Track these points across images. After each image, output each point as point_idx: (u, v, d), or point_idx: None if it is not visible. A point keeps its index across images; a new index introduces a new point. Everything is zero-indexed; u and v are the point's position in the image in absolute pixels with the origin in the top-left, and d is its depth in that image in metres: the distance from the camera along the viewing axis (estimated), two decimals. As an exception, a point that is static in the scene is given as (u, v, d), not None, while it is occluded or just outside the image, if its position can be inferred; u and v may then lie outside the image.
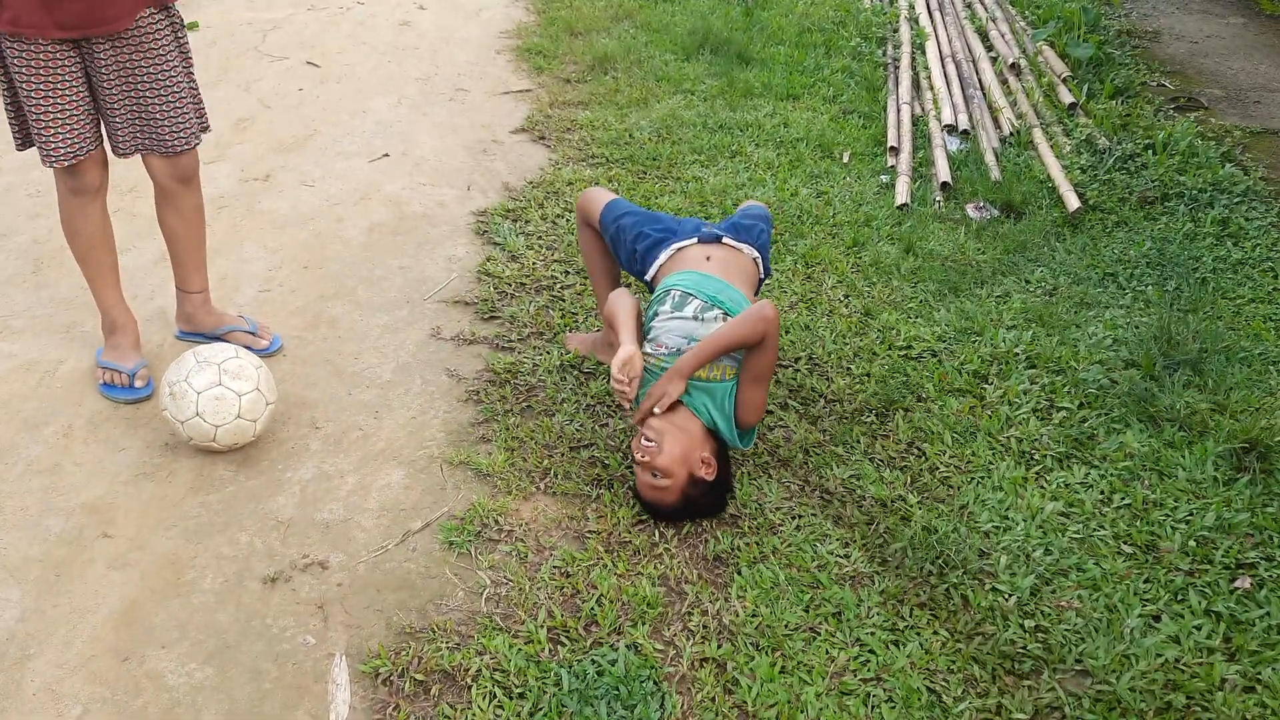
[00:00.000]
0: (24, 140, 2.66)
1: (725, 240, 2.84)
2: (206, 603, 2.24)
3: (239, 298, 3.33)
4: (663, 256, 2.84)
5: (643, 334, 2.75)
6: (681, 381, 2.52)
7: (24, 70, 2.46)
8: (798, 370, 3.03)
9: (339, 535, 2.44)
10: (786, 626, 2.17)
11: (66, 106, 2.52)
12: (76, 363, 2.98)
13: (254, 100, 4.92)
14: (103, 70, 2.53)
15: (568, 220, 3.84)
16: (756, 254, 2.87)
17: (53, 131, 2.53)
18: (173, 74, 2.62)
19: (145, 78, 2.58)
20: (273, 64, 5.39)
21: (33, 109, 2.51)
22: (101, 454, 2.65)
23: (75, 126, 2.56)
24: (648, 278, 2.87)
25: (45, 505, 2.48)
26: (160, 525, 2.44)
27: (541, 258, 3.60)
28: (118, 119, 2.62)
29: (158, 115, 2.63)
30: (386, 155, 4.42)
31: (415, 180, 4.21)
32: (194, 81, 2.73)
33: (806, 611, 2.22)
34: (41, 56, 2.45)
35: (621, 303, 2.70)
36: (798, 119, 4.81)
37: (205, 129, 2.79)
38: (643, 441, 2.43)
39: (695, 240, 2.84)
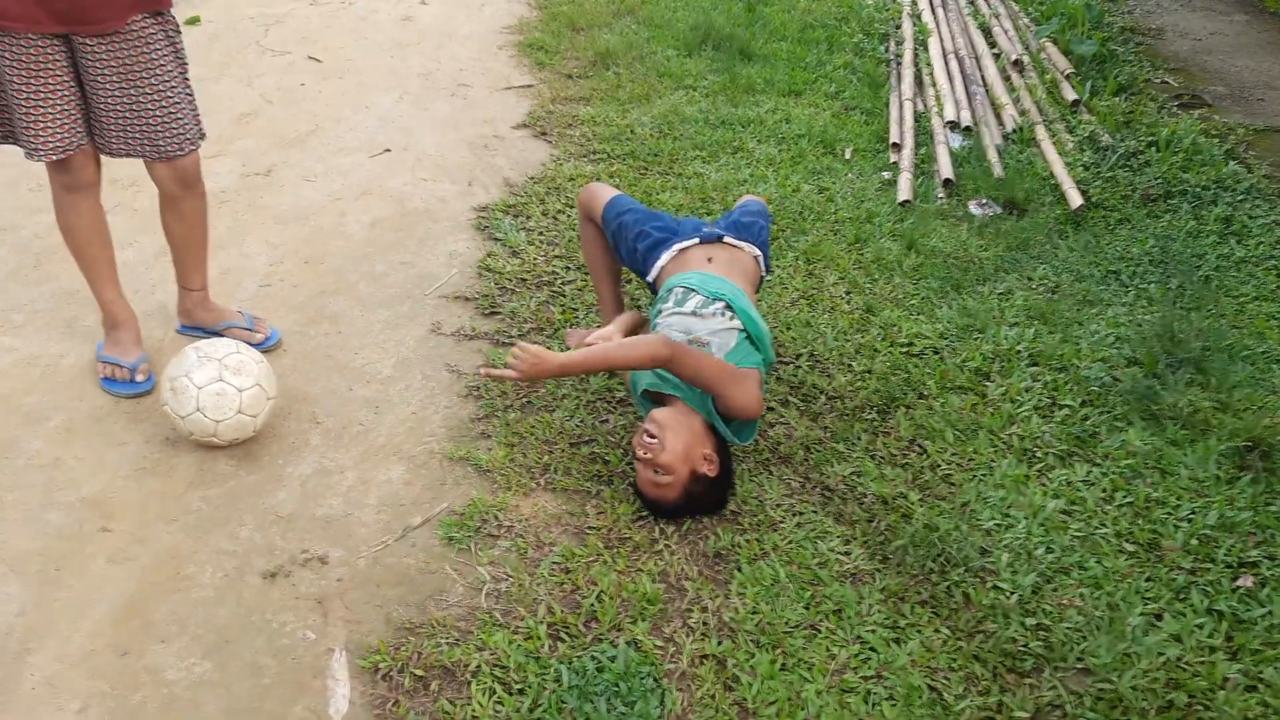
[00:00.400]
0: (2, 136, 2.64)
1: (726, 240, 2.84)
2: (206, 598, 2.24)
3: (240, 293, 3.33)
4: (664, 258, 2.84)
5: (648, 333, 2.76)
6: (544, 370, 2.42)
7: (12, 65, 2.45)
8: (799, 367, 3.03)
9: (339, 530, 2.43)
10: (787, 624, 2.17)
11: (56, 102, 2.51)
12: (77, 357, 2.98)
13: (256, 95, 4.91)
14: (92, 69, 2.51)
15: (569, 216, 3.83)
16: (757, 252, 2.87)
17: (41, 126, 2.52)
18: (168, 79, 2.60)
19: (140, 82, 2.56)
20: (275, 59, 5.38)
21: (20, 104, 2.49)
22: (102, 448, 2.65)
23: (63, 121, 2.54)
24: (649, 279, 2.87)
25: (46, 499, 2.47)
26: (160, 520, 2.44)
27: (542, 253, 3.59)
28: (108, 119, 2.59)
29: (154, 120, 2.61)
30: (388, 150, 4.42)
31: (417, 176, 4.21)
32: (189, 88, 2.71)
33: (807, 609, 2.21)
34: (31, 51, 2.43)
35: (626, 314, 2.89)
36: (800, 115, 4.80)
37: (202, 136, 2.77)
38: (644, 438, 2.42)
39: (697, 241, 2.84)
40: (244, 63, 5.31)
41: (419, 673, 2.05)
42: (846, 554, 2.37)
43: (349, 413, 2.82)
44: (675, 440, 2.39)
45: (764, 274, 2.92)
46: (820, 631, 2.16)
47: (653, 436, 2.40)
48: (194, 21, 5.71)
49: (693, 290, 2.66)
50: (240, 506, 2.49)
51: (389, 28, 5.98)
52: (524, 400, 2.87)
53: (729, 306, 2.61)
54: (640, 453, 2.41)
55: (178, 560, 2.33)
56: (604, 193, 3.02)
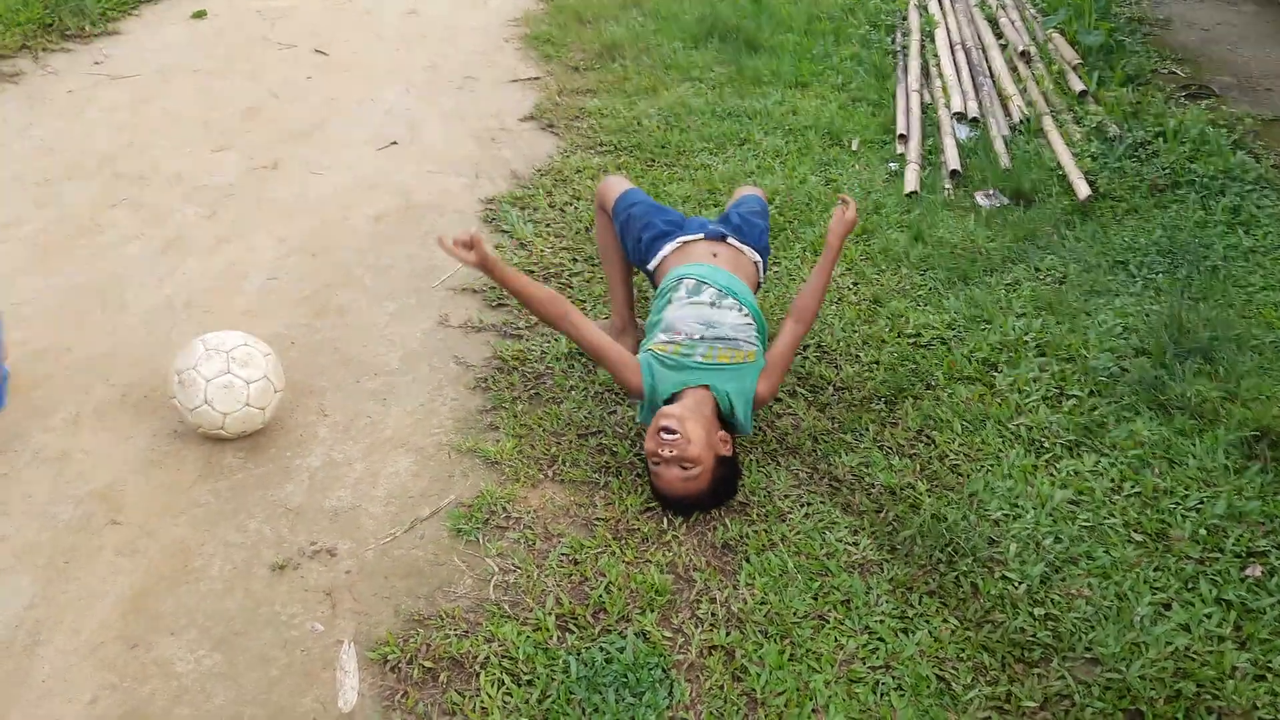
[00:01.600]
0: None
1: (731, 240, 2.85)
2: (215, 590, 2.24)
3: (247, 286, 3.33)
4: (667, 249, 2.85)
5: (646, 326, 2.76)
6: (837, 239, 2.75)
7: None
8: (806, 358, 3.02)
9: (347, 523, 2.43)
10: (795, 614, 2.17)
11: None
12: (85, 351, 2.98)
13: (262, 89, 4.91)
14: None
15: (576, 208, 3.83)
16: (759, 258, 2.89)
17: None
18: None
19: None
20: (281, 52, 5.38)
21: None
22: (110, 441, 2.65)
23: None
24: (650, 267, 2.88)
25: (54, 492, 2.48)
26: (169, 513, 2.44)
27: (549, 245, 3.59)
28: None
29: None
30: (395, 143, 4.41)
31: (423, 168, 4.20)
32: None
33: (815, 599, 2.21)
34: None
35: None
36: (806, 106, 4.79)
37: None
38: (663, 435, 2.35)
39: (702, 236, 2.85)
40: (250, 57, 5.31)
41: (428, 664, 2.06)
42: (855, 544, 2.36)
43: (357, 405, 2.83)
44: (695, 429, 2.36)
45: (760, 280, 2.93)
46: (828, 622, 2.16)
47: (673, 432, 2.35)
48: (200, 15, 5.71)
49: (705, 283, 2.66)
50: (248, 499, 2.49)
51: (395, 21, 5.98)
52: (531, 392, 2.87)
53: (741, 305, 2.62)
54: (665, 452, 2.34)
55: (186, 553, 2.33)
56: (618, 185, 3.04)
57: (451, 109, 4.80)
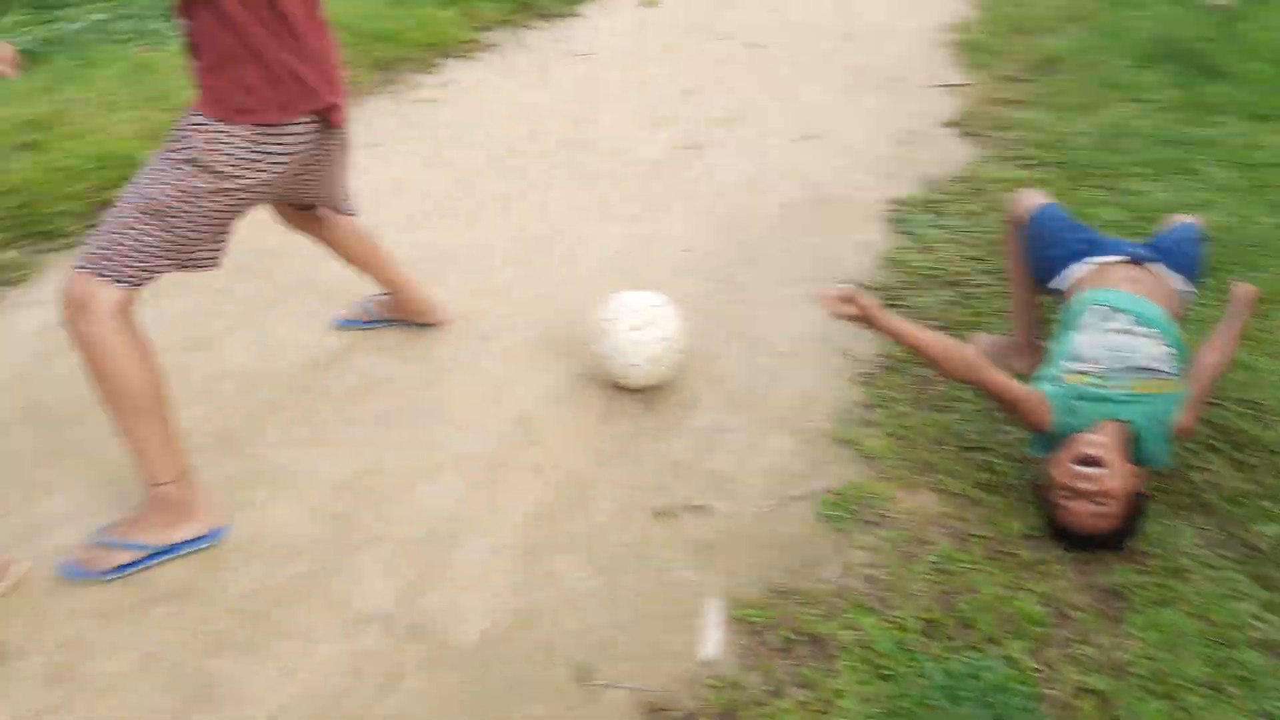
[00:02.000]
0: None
1: (1156, 267, 2.64)
2: (603, 523, 2.44)
3: (663, 253, 3.56)
4: (1081, 270, 2.69)
5: (1051, 351, 2.61)
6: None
7: None
8: (1229, 410, 2.74)
9: (725, 486, 2.55)
10: (1186, 679, 1.99)
11: None
12: (523, 293, 3.32)
13: (697, 74, 5.20)
14: None
15: (989, 219, 3.71)
16: (1185, 286, 2.65)
17: None
18: None
19: None
20: (718, 42, 5.67)
21: None
22: (534, 373, 2.95)
23: None
24: (1058, 287, 2.73)
25: (485, 412, 2.80)
26: (573, 446, 2.68)
27: (956, 252, 3.51)
28: None
29: None
30: (812, 137, 4.51)
31: (836, 163, 4.27)
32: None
33: (1212, 668, 2.01)
34: None
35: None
36: (1271, 142, 4.30)
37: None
38: (1082, 468, 2.23)
39: (1124, 259, 2.66)
40: (690, 44, 5.65)
41: (788, 635, 2.11)
42: (1266, 621, 2.12)
43: (746, 378, 2.94)
44: (1115, 461, 2.24)
45: (1184, 312, 2.67)
46: (1223, 694, 1.96)
47: (1098, 464, 2.23)
48: (650, 3, 6.15)
49: (1118, 309, 2.49)
50: (640, 446, 2.68)
51: (828, 20, 6.09)
52: (917, 396, 2.84)
53: (1160, 331, 2.43)
54: (1085, 485, 2.23)
55: (584, 484, 2.56)
56: (1034, 199, 2.92)
57: (872, 108, 4.82)
